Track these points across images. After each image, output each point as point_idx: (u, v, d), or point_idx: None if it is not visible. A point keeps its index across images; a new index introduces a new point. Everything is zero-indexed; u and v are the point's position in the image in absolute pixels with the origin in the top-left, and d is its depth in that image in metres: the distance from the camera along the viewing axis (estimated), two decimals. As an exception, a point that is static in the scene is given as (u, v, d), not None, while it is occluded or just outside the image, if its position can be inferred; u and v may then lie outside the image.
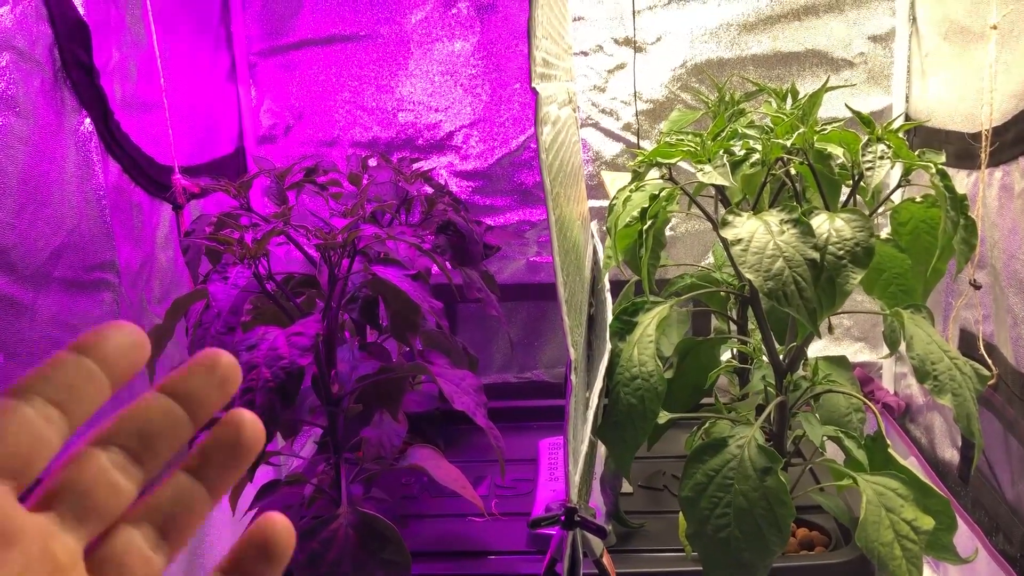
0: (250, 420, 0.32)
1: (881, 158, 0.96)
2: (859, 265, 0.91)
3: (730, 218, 0.97)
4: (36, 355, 1.14)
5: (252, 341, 0.98)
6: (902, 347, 1.16)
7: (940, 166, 0.97)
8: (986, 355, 1.43)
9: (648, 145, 1.87)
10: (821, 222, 0.95)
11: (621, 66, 1.89)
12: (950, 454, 1.66)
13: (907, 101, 1.85)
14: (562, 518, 0.86)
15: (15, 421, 0.28)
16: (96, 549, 0.30)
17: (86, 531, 0.29)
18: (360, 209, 1.09)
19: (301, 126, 1.94)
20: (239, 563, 0.32)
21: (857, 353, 1.97)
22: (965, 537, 1.47)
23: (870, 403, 1.18)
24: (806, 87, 1.72)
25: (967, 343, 1.52)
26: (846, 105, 1.10)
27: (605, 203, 1.75)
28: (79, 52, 1.24)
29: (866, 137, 1.01)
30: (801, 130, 1.00)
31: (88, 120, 1.28)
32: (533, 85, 0.80)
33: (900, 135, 1.00)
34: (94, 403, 0.30)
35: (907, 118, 1.83)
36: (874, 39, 1.84)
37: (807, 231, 0.93)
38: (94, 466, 0.30)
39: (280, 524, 0.32)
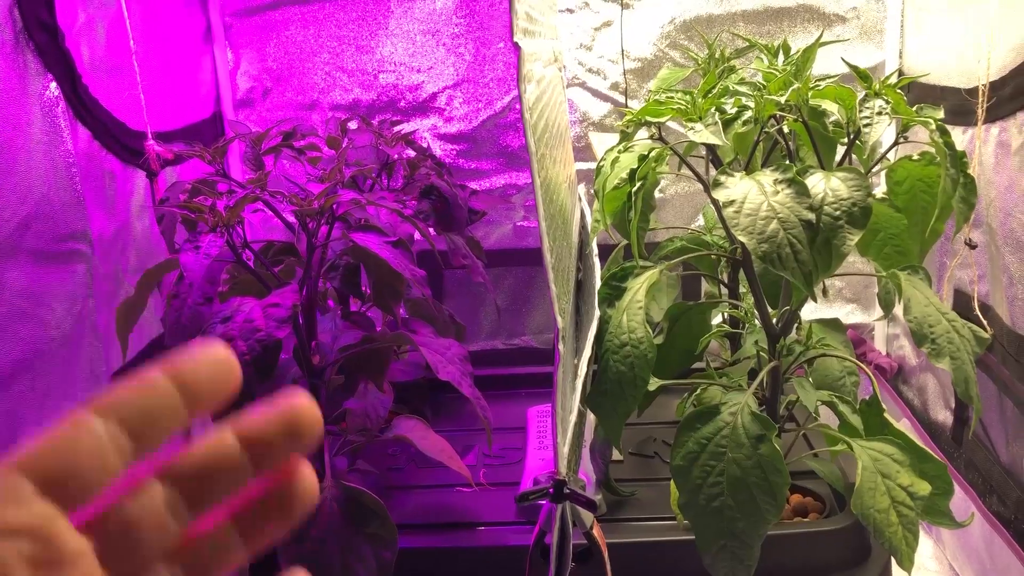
0: (307, 478, 0.30)
1: (879, 114, 0.92)
2: (856, 226, 0.88)
3: (722, 179, 0.94)
4: (5, 328, 1.10)
5: (227, 313, 0.94)
6: (895, 308, 1.14)
7: (939, 122, 0.94)
8: (981, 315, 1.40)
9: (637, 105, 1.83)
10: (816, 182, 0.92)
11: (608, 23, 1.84)
12: (943, 416, 1.64)
13: (900, 57, 1.81)
14: (551, 491, 0.83)
15: (84, 440, 0.26)
16: None
17: (122, 566, 0.27)
18: (338, 174, 1.05)
19: (279, 89, 1.88)
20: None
21: (849, 315, 1.94)
22: (959, 499, 1.45)
23: (864, 366, 1.16)
24: (797, 43, 1.67)
25: (962, 303, 1.50)
26: (842, 59, 1.06)
27: (593, 165, 1.71)
28: (41, 12, 1.18)
29: (863, 92, 0.97)
30: (795, 86, 0.96)
31: (54, 84, 1.22)
32: (515, 40, 0.76)
33: (898, 90, 0.96)
34: (167, 433, 0.27)
35: (900, 74, 1.79)
36: (867, -7, 1.79)
37: (802, 191, 0.90)
38: (150, 503, 0.27)
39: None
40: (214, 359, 0.28)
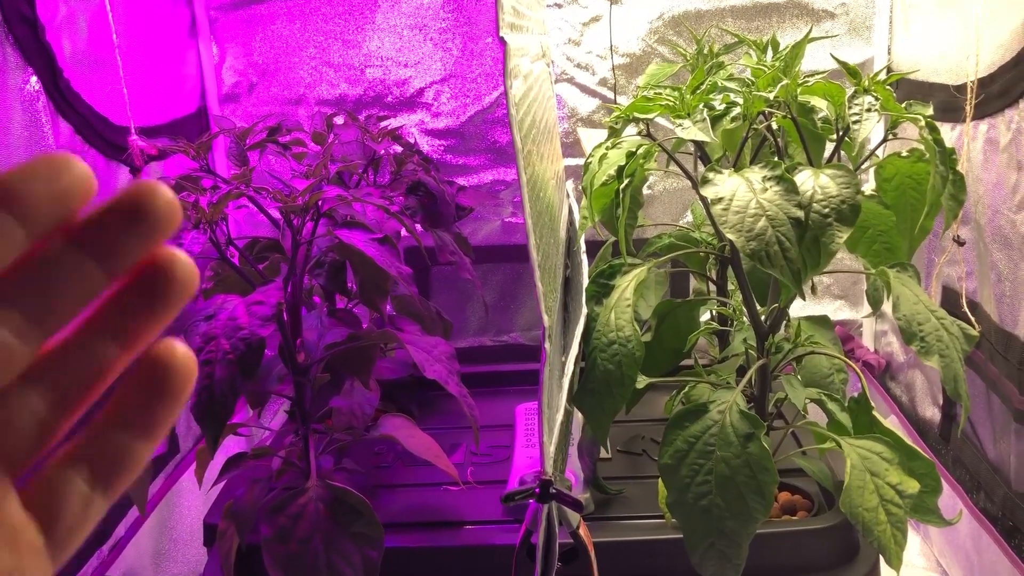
0: (182, 261, 0.26)
1: (868, 111, 0.92)
2: (845, 223, 0.87)
3: (710, 176, 0.93)
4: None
5: (210, 311, 0.93)
6: (883, 305, 1.13)
7: (929, 119, 0.93)
8: (969, 312, 1.40)
9: (625, 101, 1.82)
10: (805, 179, 0.91)
11: (596, 18, 1.83)
12: (931, 412, 1.64)
13: (889, 53, 1.80)
14: (536, 491, 0.82)
15: None
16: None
17: None
18: (323, 169, 1.04)
19: (265, 84, 1.87)
20: (128, 400, 0.27)
21: (837, 311, 1.94)
22: (946, 496, 1.45)
23: (852, 364, 1.15)
24: (785, 39, 1.67)
25: (949, 300, 1.50)
26: (832, 56, 1.05)
27: (581, 161, 1.70)
28: (22, 5, 1.17)
29: (852, 89, 0.96)
30: (784, 82, 0.96)
31: (34, 78, 1.21)
32: (501, 35, 0.75)
33: (887, 87, 0.96)
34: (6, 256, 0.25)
35: (889, 71, 1.78)
36: (856, -11, 1.79)
37: (791, 188, 0.89)
38: None
39: (180, 354, 0.27)
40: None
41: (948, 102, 1.45)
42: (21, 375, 0.26)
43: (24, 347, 0.25)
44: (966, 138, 1.39)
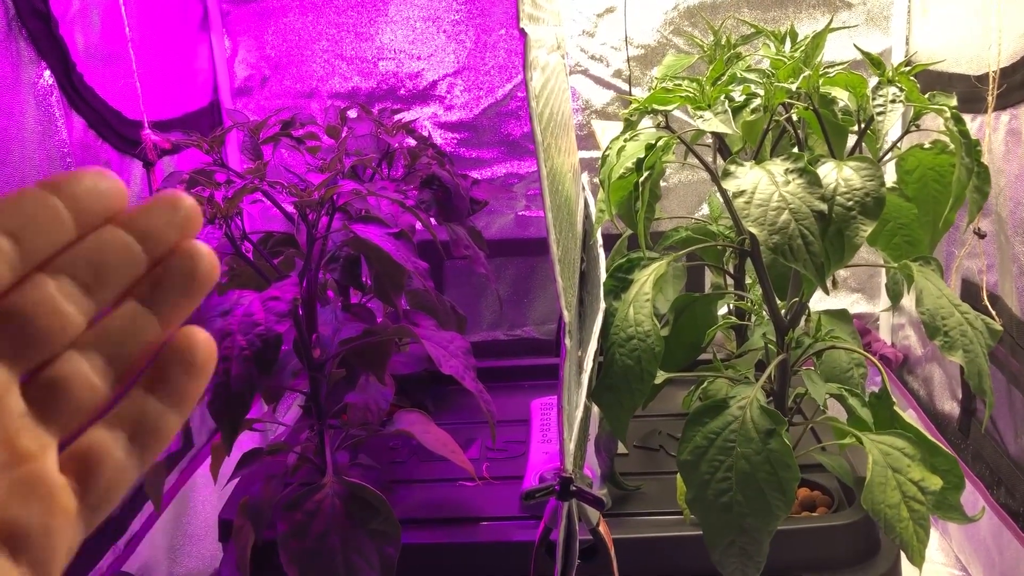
0: (205, 252, 0.31)
1: (893, 102, 0.90)
2: (869, 216, 0.86)
3: (732, 168, 0.91)
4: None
5: (226, 307, 0.92)
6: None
7: (954, 110, 0.92)
8: (989, 306, 1.38)
9: (640, 92, 1.80)
10: (828, 171, 0.90)
11: (611, 9, 1.81)
12: (950, 406, 1.62)
13: (907, 43, 1.78)
14: (557, 488, 0.81)
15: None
16: (39, 373, 0.29)
17: (25, 359, 0.28)
18: (338, 164, 1.03)
19: (277, 77, 1.86)
20: (161, 372, 0.31)
21: (853, 304, 1.92)
22: (967, 492, 1.43)
23: (873, 358, 1.14)
24: (802, 30, 1.65)
25: (970, 294, 1.48)
26: (855, 46, 1.04)
27: (596, 154, 1.69)
28: (35, 0, 1.16)
29: (876, 80, 0.95)
30: (806, 73, 0.94)
31: (48, 73, 1.20)
32: (521, 26, 0.73)
33: (911, 78, 0.94)
34: (54, 241, 0.28)
35: (908, 62, 1.76)
36: (873, -22, 1.77)
37: (814, 181, 0.88)
38: (40, 293, 0.28)
39: (201, 337, 0.32)
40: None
41: (969, 93, 1.43)
42: (74, 343, 0.29)
43: (78, 315, 0.29)
44: (988, 129, 1.37)
